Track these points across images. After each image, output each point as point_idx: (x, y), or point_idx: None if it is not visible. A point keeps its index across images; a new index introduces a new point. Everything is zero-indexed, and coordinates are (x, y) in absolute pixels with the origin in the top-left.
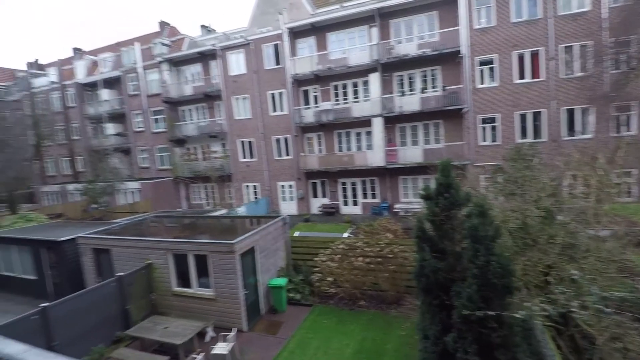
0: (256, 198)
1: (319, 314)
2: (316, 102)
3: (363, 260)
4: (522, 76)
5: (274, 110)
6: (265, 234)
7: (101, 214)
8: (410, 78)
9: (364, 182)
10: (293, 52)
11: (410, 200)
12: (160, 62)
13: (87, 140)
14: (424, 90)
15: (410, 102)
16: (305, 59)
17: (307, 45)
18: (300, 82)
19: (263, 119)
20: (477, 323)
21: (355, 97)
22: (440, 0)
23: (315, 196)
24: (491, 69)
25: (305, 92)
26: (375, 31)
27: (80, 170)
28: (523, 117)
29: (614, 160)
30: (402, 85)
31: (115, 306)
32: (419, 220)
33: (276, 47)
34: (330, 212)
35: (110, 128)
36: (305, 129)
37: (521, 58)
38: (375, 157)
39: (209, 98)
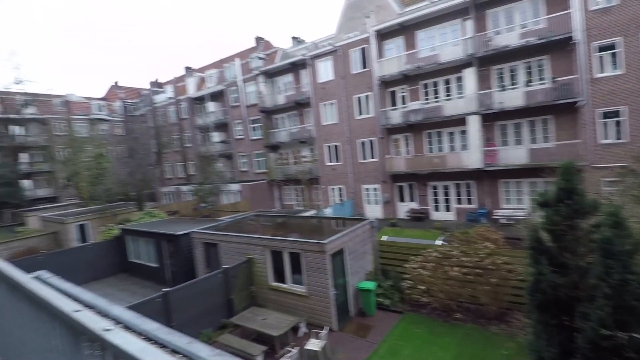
0: (342, 200)
1: (410, 322)
2: (404, 103)
3: (459, 270)
4: None
5: (360, 113)
6: (353, 236)
7: (209, 212)
8: (511, 71)
9: (457, 186)
10: (380, 54)
11: (514, 206)
12: (256, 75)
13: (197, 147)
14: (528, 83)
15: (512, 97)
16: (392, 59)
17: (394, 46)
18: (387, 83)
19: (349, 122)
20: (610, 350)
21: (448, 95)
22: None
23: (402, 200)
24: (613, 55)
25: (392, 93)
26: (469, 24)
27: (192, 174)
28: None
29: None
30: (502, 79)
31: (221, 295)
32: (534, 230)
33: (363, 51)
34: (419, 218)
35: (216, 136)
36: (392, 130)
37: None
38: (472, 158)
39: (299, 106)
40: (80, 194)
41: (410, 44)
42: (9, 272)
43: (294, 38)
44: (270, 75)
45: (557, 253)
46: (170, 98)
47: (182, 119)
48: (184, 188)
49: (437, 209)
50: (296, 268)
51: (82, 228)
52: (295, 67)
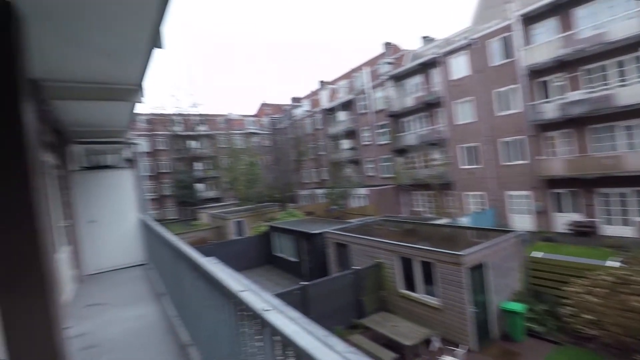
0: (482, 209)
1: (571, 357)
2: (561, 93)
3: None
4: None
5: (502, 109)
6: (497, 250)
7: (339, 214)
8: None
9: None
10: (526, 41)
11: None
12: (384, 80)
13: (328, 154)
14: None
15: None
16: (543, 45)
17: (544, 30)
18: (536, 73)
19: (489, 120)
20: None
21: (622, 80)
22: None
23: (559, 210)
24: None
25: (544, 84)
26: None
27: (324, 179)
28: None
29: None
30: None
31: (351, 295)
32: None
33: (504, 40)
34: (583, 232)
35: (345, 143)
36: (545, 127)
37: None
38: None
39: (429, 106)
40: (238, 196)
41: (565, 25)
42: (191, 255)
43: (423, 37)
44: (399, 78)
45: None
46: (306, 111)
47: (317, 129)
48: (318, 191)
49: (609, 222)
50: (428, 278)
51: (239, 224)
52: (424, 68)
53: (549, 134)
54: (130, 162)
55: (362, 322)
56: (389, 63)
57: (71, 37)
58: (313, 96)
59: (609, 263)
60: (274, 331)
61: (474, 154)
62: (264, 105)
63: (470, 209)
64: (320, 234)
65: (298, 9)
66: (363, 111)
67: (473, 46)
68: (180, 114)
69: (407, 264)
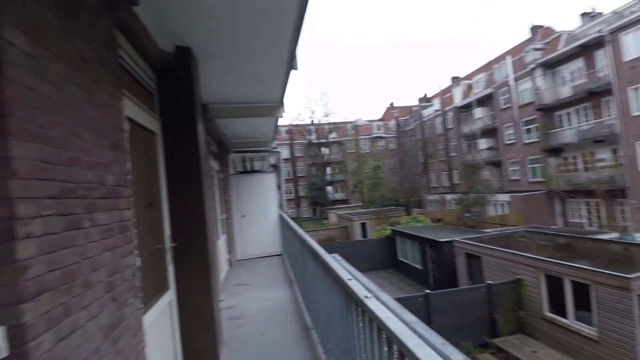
0: None
1: None
2: None
3: None
4: None
5: None
6: None
7: (473, 222)
8: None
9: None
10: None
11: None
12: (532, 69)
13: (461, 156)
14: None
15: None
16: None
17: None
18: None
19: None
20: None
21: None
22: None
23: None
24: None
25: None
26: None
27: (456, 183)
28: None
29: None
30: None
31: (482, 311)
32: None
33: None
34: None
35: (482, 143)
36: None
37: None
38: None
39: (592, 96)
40: (363, 198)
41: None
42: (313, 246)
43: (583, 15)
44: (550, 66)
45: None
46: (436, 110)
47: (448, 129)
48: (448, 197)
49: None
50: (582, 302)
51: (363, 225)
52: (586, 50)
53: None
54: (274, 167)
55: (495, 342)
56: (538, 49)
57: (228, 69)
58: (443, 94)
59: None
60: (372, 316)
61: None
62: (390, 108)
63: None
64: (449, 242)
65: (418, 7)
66: (505, 106)
67: None
68: (314, 124)
69: (555, 283)
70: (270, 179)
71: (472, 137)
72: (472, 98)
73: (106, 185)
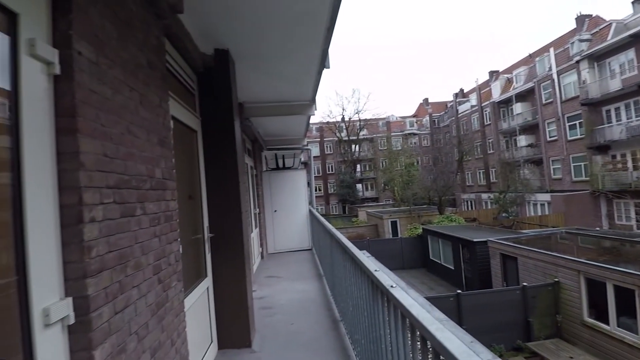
0: None
1: None
2: None
3: None
4: None
5: None
6: None
7: (510, 223)
8: None
9: None
10: None
11: None
12: (578, 62)
13: (499, 153)
14: None
15: None
16: None
17: None
18: None
19: None
20: None
21: None
22: None
23: None
24: None
25: None
26: None
27: (493, 181)
28: None
29: None
30: None
31: (517, 314)
32: None
33: None
34: None
35: (522, 140)
36: None
37: None
38: None
39: None
40: (394, 196)
41: None
42: (342, 240)
43: (635, 2)
44: (598, 58)
45: None
46: (473, 106)
47: (486, 125)
48: (484, 196)
49: None
50: (627, 308)
51: (393, 224)
52: (637, 40)
53: None
54: (304, 164)
55: (530, 346)
56: (584, 40)
57: (262, 69)
58: (482, 89)
59: None
60: (396, 304)
61: None
62: (423, 104)
63: None
64: (482, 242)
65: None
66: (547, 101)
67: None
68: (344, 121)
69: (597, 288)
70: (300, 176)
71: (511, 134)
72: (511, 92)
73: (155, 178)
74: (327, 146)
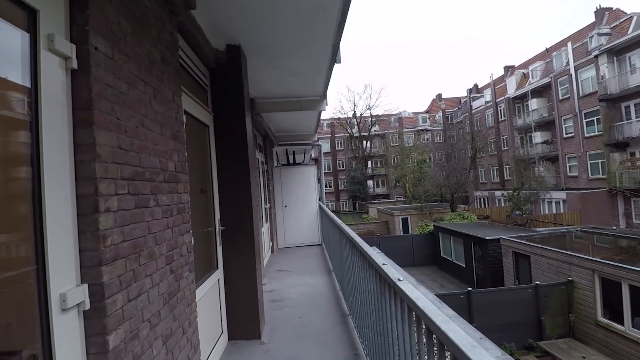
0: None
1: None
2: None
3: None
4: None
5: None
6: None
7: (524, 221)
8: None
9: None
10: None
11: None
12: (596, 56)
13: (514, 150)
14: None
15: None
16: None
17: None
18: None
19: None
20: None
21: None
22: None
23: None
24: None
25: None
26: None
27: (507, 179)
28: None
29: None
30: None
31: (529, 313)
32: None
33: None
34: None
35: (537, 136)
36: None
37: None
38: None
39: None
40: (405, 193)
41: None
42: (351, 234)
43: None
44: (617, 52)
45: None
46: (487, 102)
47: (500, 121)
48: (498, 193)
49: None
50: None
51: (404, 221)
52: None
53: None
54: (315, 160)
55: (541, 345)
56: (603, 34)
57: (273, 64)
58: (496, 85)
59: None
60: (403, 296)
61: None
62: (436, 100)
63: None
64: (495, 240)
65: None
66: (564, 97)
67: None
68: (356, 116)
69: (612, 287)
70: (311, 172)
71: (526, 130)
72: (527, 88)
73: (168, 171)
74: (338, 142)
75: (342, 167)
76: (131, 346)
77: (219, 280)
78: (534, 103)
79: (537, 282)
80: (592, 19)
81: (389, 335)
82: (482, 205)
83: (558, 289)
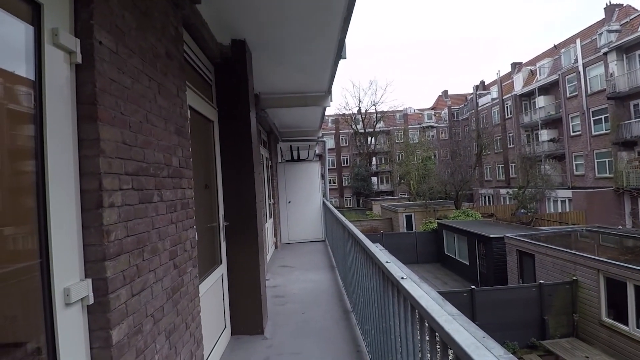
0: None
1: None
2: None
3: None
4: None
5: None
6: None
7: (529, 219)
8: None
9: None
10: None
11: None
12: (605, 54)
13: (520, 147)
14: None
15: None
16: None
17: None
18: None
19: None
20: None
21: None
22: None
23: None
24: None
25: None
26: None
27: (512, 177)
28: None
29: None
30: None
31: (532, 311)
32: None
33: None
34: None
35: (544, 134)
36: None
37: None
38: None
39: None
40: (409, 190)
41: None
42: (354, 232)
43: None
44: (627, 49)
45: None
46: (493, 99)
47: (507, 118)
48: (503, 191)
49: None
50: None
51: (408, 218)
52: None
53: None
54: (319, 156)
55: (545, 344)
56: (613, 31)
57: (278, 59)
58: (503, 81)
59: None
60: (406, 295)
61: None
62: (442, 96)
63: None
64: (499, 238)
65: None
66: (571, 94)
67: None
68: (360, 112)
69: (616, 287)
70: (315, 168)
71: (532, 128)
72: (534, 85)
73: (172, 166)
74: (342, 138)
75: (346, 163)
76: (134, 341)
77: (222, 275)
78: (541, 100)
79: (541, 281)
80: (601, 15)
81: (392, 333)
82: (487, 203)
83: (562, 288)
